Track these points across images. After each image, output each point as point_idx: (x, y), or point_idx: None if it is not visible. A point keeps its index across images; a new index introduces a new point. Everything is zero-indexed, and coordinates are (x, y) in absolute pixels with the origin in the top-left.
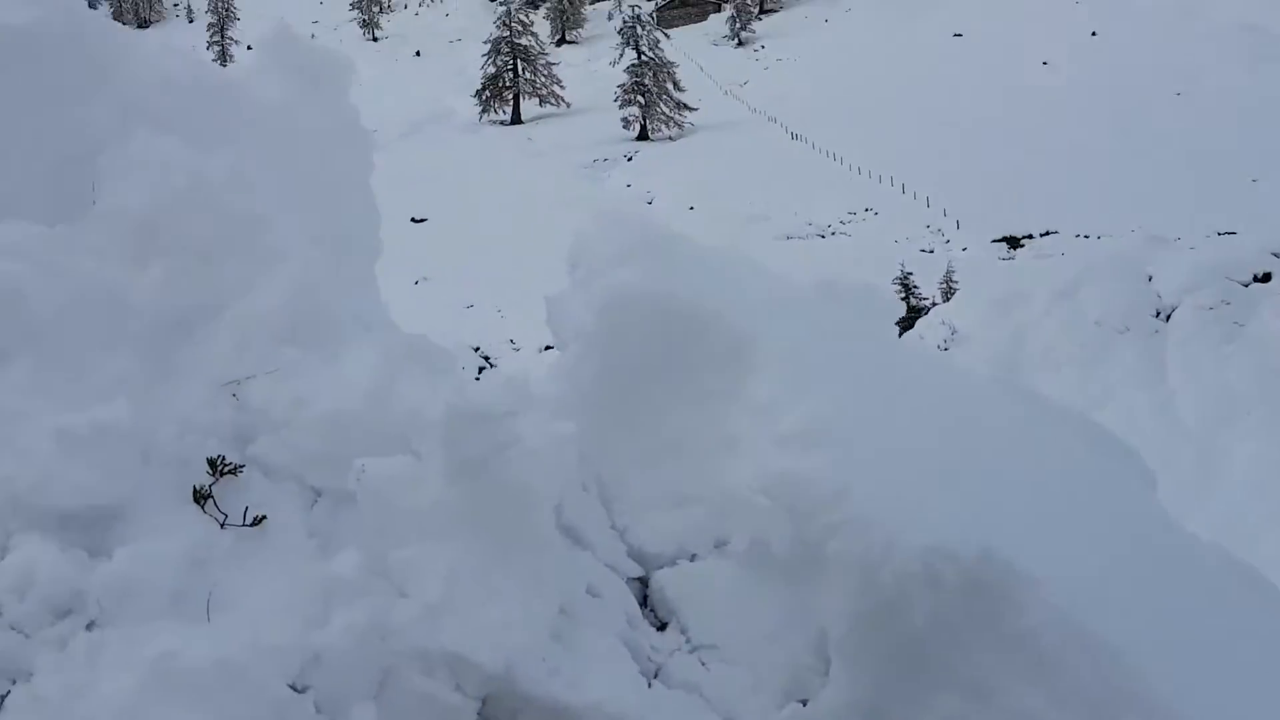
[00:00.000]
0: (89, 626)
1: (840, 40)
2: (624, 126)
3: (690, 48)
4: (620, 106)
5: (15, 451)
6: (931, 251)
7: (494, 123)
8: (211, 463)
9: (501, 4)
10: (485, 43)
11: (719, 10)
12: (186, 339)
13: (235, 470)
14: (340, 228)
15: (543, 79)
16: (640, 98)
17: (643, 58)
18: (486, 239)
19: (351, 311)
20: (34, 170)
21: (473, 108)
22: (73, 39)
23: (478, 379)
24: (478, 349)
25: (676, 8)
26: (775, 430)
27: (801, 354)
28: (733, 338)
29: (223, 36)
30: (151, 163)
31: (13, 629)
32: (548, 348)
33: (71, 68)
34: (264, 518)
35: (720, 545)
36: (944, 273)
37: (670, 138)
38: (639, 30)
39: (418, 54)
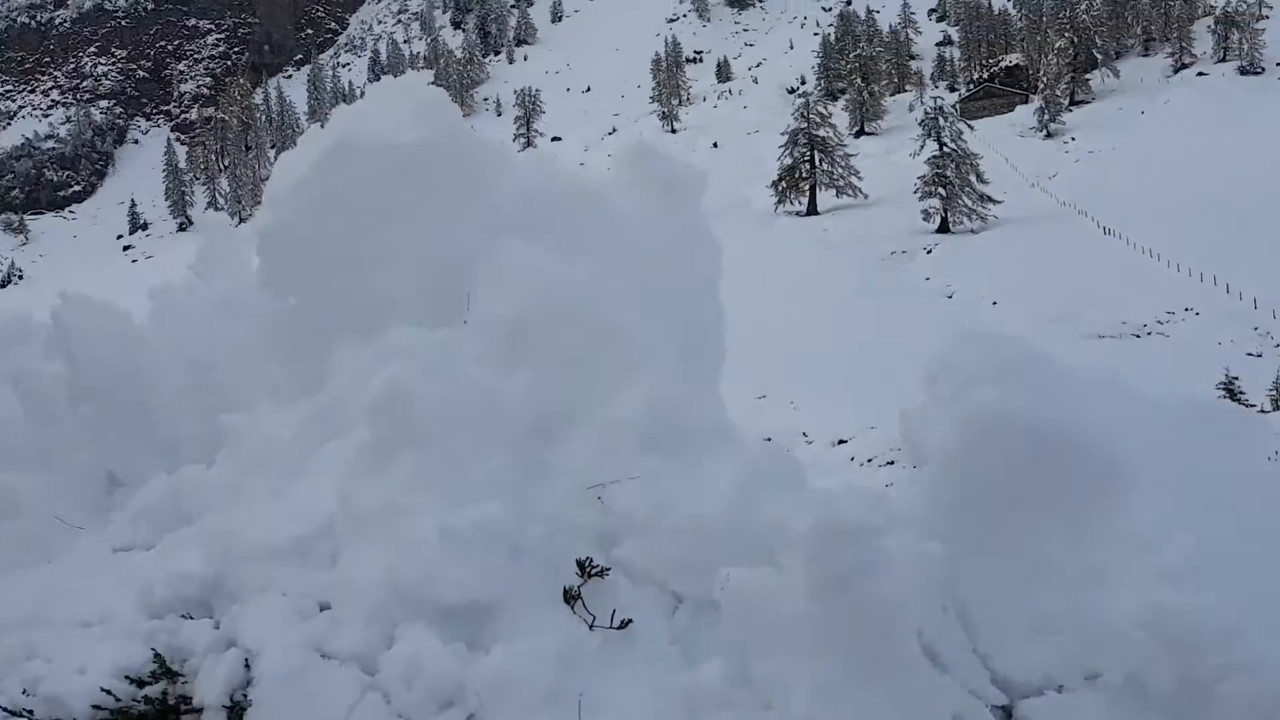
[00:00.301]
0: (469, 719)
1: (1158, 133)
2: (923, 218)
3: (995, 139)
4: (920, 198)
5: (401, 546)
6: (1259, 355)
7: (789, 213)
8: (580, 564)
9: (800, 96)
10: (782, 134)
11: (1026, 101)
12: (549, 442)
13: (602, 573)
14: (693, 335)
15: (840, 170)
16: (941, 189)
17: (944, 149)
18: (779, 329)
19: (705, 418)
20: (415, 276)
21: (768, 198)
22: (452, 155)
23: None
24: (769, 440)
25: (981, 99)
26: (1154, 562)
27: (1178, 481)
28: (1103, 462)
29: (528, 128)
30: (520, 272)
31: (400, 716)
32: (841, 441)
33: (449, 181)
34: (630, 621)
35: (1091, 678)
36: (1274, 379)
37: (972, 230)
38: (941, 121)
39: (715, 145)
